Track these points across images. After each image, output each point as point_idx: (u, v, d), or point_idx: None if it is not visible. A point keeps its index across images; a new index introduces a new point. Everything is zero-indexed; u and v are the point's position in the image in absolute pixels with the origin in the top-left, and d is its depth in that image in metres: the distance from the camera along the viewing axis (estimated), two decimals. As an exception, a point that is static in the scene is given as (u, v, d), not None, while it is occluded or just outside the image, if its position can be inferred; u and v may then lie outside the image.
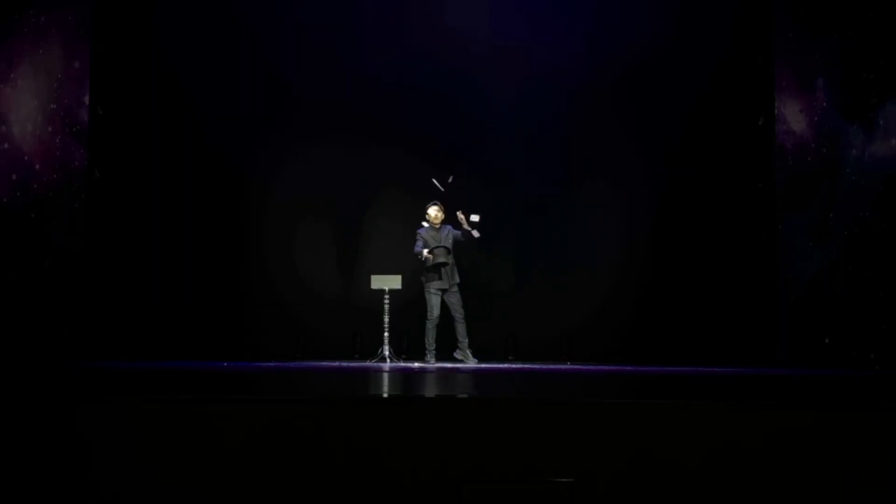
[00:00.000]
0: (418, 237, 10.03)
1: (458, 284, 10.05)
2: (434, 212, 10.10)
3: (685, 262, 10.61)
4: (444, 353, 10.14)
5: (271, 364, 9.58)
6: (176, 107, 10.62)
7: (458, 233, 10.02)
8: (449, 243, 10.01)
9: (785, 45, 10.04)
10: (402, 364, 9.89)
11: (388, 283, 10.10)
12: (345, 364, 9.92)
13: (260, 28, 10.84)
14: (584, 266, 10.89)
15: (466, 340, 9.98)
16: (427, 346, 10.01)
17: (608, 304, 10.67)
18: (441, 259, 9.88)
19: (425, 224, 10.11)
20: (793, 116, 10.00)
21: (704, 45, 10.41)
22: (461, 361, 9.87)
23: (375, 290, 10.15)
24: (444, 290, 9.99)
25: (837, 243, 9.69)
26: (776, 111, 10.07)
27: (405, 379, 7.32)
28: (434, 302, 9.96)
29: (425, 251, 9.89)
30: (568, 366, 10.04)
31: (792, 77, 10.02)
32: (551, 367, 9.80)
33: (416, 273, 10.18)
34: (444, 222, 10.12)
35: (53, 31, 9.44)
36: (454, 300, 10.00)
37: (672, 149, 10.69)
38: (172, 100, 10.61)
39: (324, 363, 9.96)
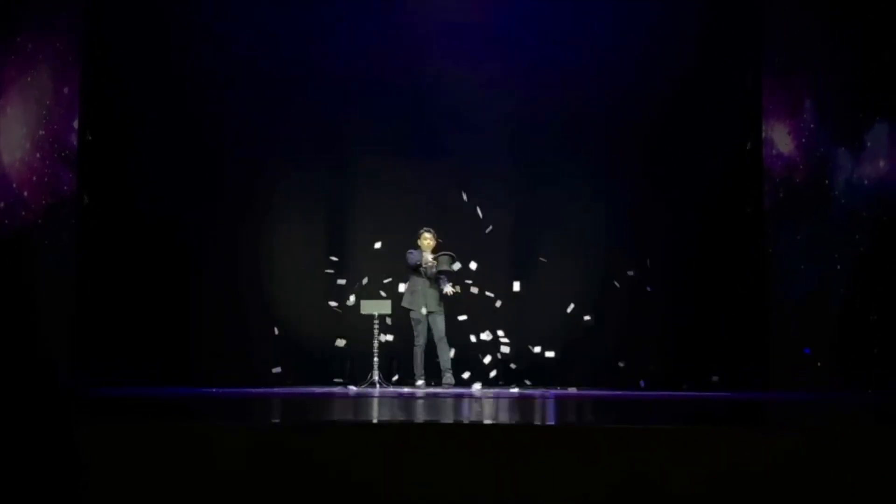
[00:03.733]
0: (410, 255, 10.07)
1: (441, 308, 10.05)
2: (427, 239, 10.12)
3: (676, 288, 10.58)
4: (434, 376, 10.14)
5: (260, 390, 9.54)
6: (165, 129, 10.57)
7: (441, 278, 10.03)
8: (434, 274, 10.05)
9: (772, 68, 10.07)
10: (392, 389, 9.87)
11: (377, 308, 10.09)
12: (334, 389, 9.87)
13: (247, 44, 10.85)
14: (574, 289, 10.84)
15: (449, 364, 9.98)
16: (415, 370, 10.04)
17: (597, 328, 10.62)
18: (444, 266, 9.89)
19: (414, 251, 10.15)
20: (781, 139, 10.02)
21: (692, 69, 10.44)
22: (448, 386, 9.85)
23: (365, 316, 10.13)
24: (428, 313, 9.98)
25: (828, 266, 9.67)
26: (764, 134, 10.08)
27: (395, 404, 7.29)
28: (420, 328, 10.01)
29: (428, 256, 9.93)
30: (558, 390, 10.00)
31: (779, 99, 10.04)
32: (541, 391, 9.77)
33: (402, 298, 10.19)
34: (434, 250, 10.15)
35: (42, 58, 9.44)
36: (439, 324, 10.00)
37: (662, 175, 10.69)
38: (162, 122, 10.57)
39: (314, 389, 9.92)
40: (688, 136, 10.53)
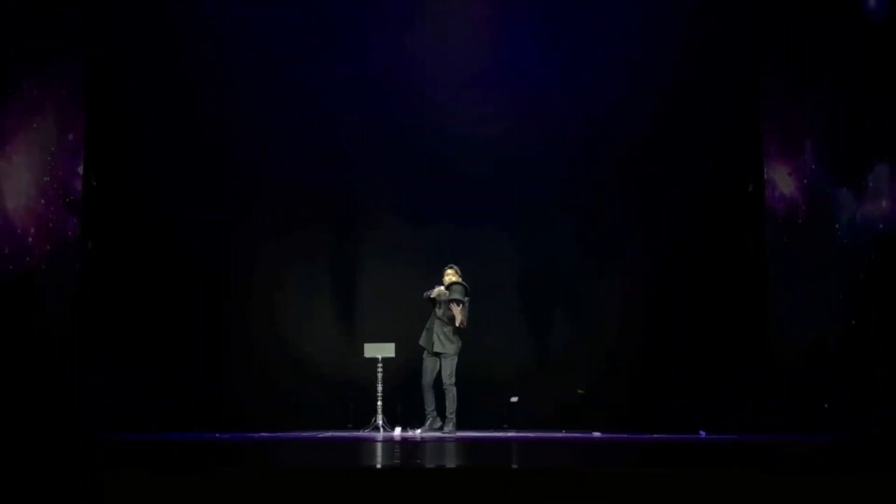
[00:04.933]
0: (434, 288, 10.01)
1: (452, 350, 9.89)
2: (450, 275, 10.02)
3: (680, 330, 10.56)
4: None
5: (264, 435, 9.49)
6: (171, 174, 10.62)
7: (453, 305, 9.90)
8: (449, 315, 9.90)
9: (771, 111, 10.10)
10: (396, 433, 9.81)
11: (381, 351, 10.04)
12: (338, 434, 9.82)
13: (247, 91, 10.94)
14: (580, 334, 10.85)
15: (451, 410, 9.81)
16: (425, 410, 9.91)
17: (604, 372, 10.59)
18: (456, 295, 9.79)
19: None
20: (782, 180, 10.03)
21: (693, 114, 10.50)
22: (449, 433, 9.68)
23: (369, 359, 10.09)
24: (430, 353, 9.89)
25: (833, 306, 9.63)
26: (765, 176, 10.10)
27: (399, 449, 7.25)
28: (424, 364, 9.91)
29: (442, 287, 9.90)
30: (563, 434, 9.94)
31: (780, 141, 10.07)
32: (547, 435, 9.72)
33: (411, 340, 10.11)
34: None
35: (47, 105, 9.54)
36: (447, 368, 9.85)
37: (663, 219, 10.73)
38: (167, 168, 10.61)
39: (317, 433, 9.87)
40: (690, 179, 10.57)
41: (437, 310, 9.91)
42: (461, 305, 9.77)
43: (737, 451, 6.94)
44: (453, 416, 9.77)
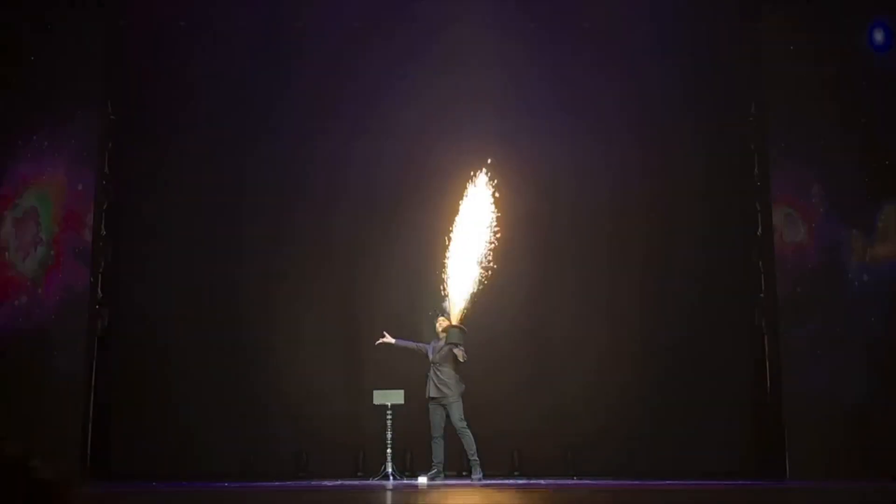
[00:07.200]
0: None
1: (452, 394, 9.79)
2: (441, 322, 10.02)
3: (691, 377, 10.50)
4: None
5: (274, 484, 9.45)
6: (179, 225, 10.70)
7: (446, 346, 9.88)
8: (442, 355, 9.86)
9: (778, 155, 10.10)
10: (406, 481, 9.73)
11: (390, 398, 9.97)
12: (347, 482, 9.75)
13: (263, 143, 11.03)
14: (588, 380, 10.78)
15: (471, 452, 9.72)
16: (432, 460, 9.82)
17: (613, 419, 10.53)
18: (453, 339, 9.70)
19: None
20: (791, 225, 10.00)
21: (699, 160, 10.53)
22: (476, 480, 9.56)
23: (378, 406, 10.03)
24: (432, 401, 9.82)
25: (846, 351, 9.54)
26: (773, 220, 10.07)
27: (409, 498, 7.20)
28: (430, 416, 9.83)
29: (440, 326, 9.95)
30: (574, 481, 9.86)
31: (787, 186, 10.03)
32: (557, 482, 9.64)
33: (421, 386, 10.06)
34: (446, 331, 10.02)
35: (58, 157, 9.62)
36: (453, 413, 9.75)
37: (672, 265, 10.71)
38: (176, 218, 10.69)
39: (326, 482, 9.81)
40: (698, 226, 10.58)
41: (430, 355, 9.88)
42: (460, 347, 9.73)
43: (748, 498, 6.88)
44: (475, 457, 9.62)
